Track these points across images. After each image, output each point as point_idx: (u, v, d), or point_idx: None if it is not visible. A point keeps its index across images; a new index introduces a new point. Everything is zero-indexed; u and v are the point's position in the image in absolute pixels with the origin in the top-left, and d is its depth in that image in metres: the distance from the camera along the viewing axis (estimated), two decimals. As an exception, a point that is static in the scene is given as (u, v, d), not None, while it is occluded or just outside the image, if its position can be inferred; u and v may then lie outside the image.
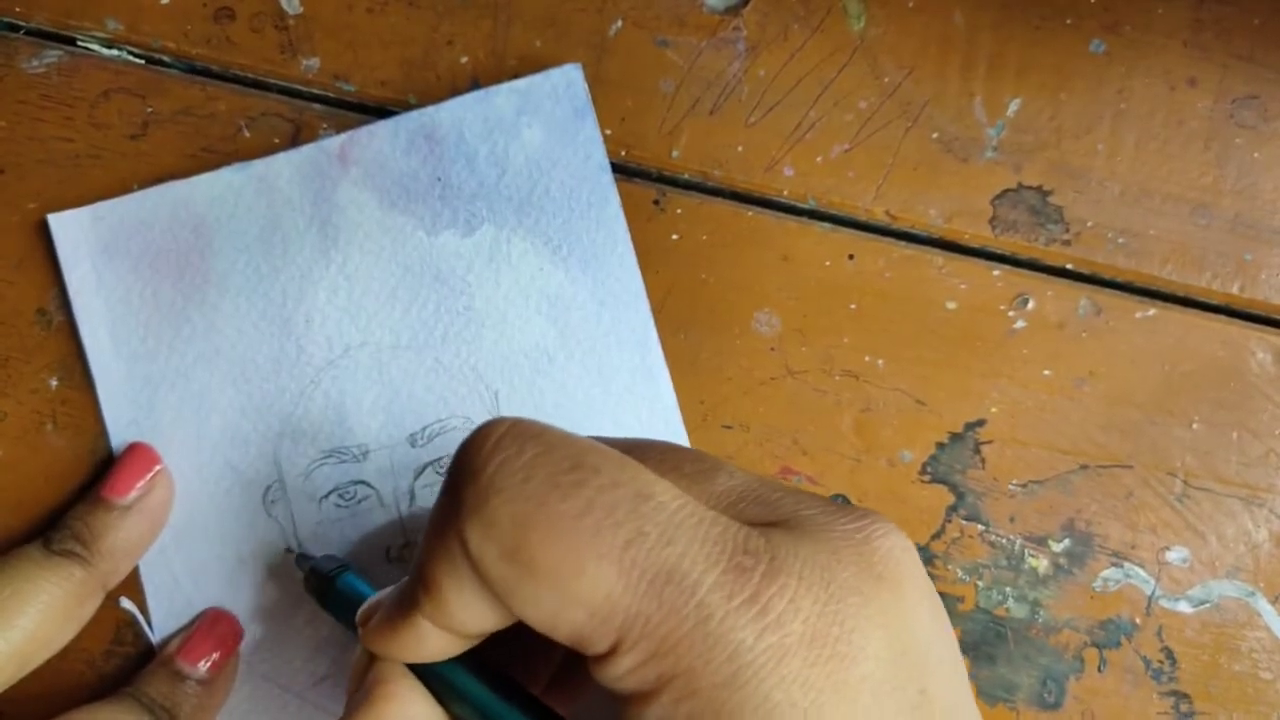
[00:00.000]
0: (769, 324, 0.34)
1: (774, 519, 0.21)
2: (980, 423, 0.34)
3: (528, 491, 0.20)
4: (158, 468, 0.32)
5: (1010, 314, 0.35)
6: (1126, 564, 0.34)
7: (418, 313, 0.34)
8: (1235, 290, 0.35)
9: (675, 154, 0.35)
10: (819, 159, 0.35)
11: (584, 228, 0.34)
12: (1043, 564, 0.34)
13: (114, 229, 0.33)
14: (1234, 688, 0.34)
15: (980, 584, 0.34)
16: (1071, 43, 0.35)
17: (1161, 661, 0.34)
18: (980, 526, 0.34)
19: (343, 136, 0.34)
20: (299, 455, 0.33)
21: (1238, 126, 0.35)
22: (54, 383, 0.33)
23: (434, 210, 0.34)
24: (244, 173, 0.34)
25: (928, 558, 0.34)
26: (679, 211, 0.35)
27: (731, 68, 0.35)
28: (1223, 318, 0.35)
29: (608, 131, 0.35)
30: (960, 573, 0.34)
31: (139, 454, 0.32)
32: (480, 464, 0.21)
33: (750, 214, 0.35)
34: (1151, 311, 0.35)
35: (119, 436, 0.33)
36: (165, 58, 0.35)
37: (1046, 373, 0.34)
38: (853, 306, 0.34)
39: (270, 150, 0.34)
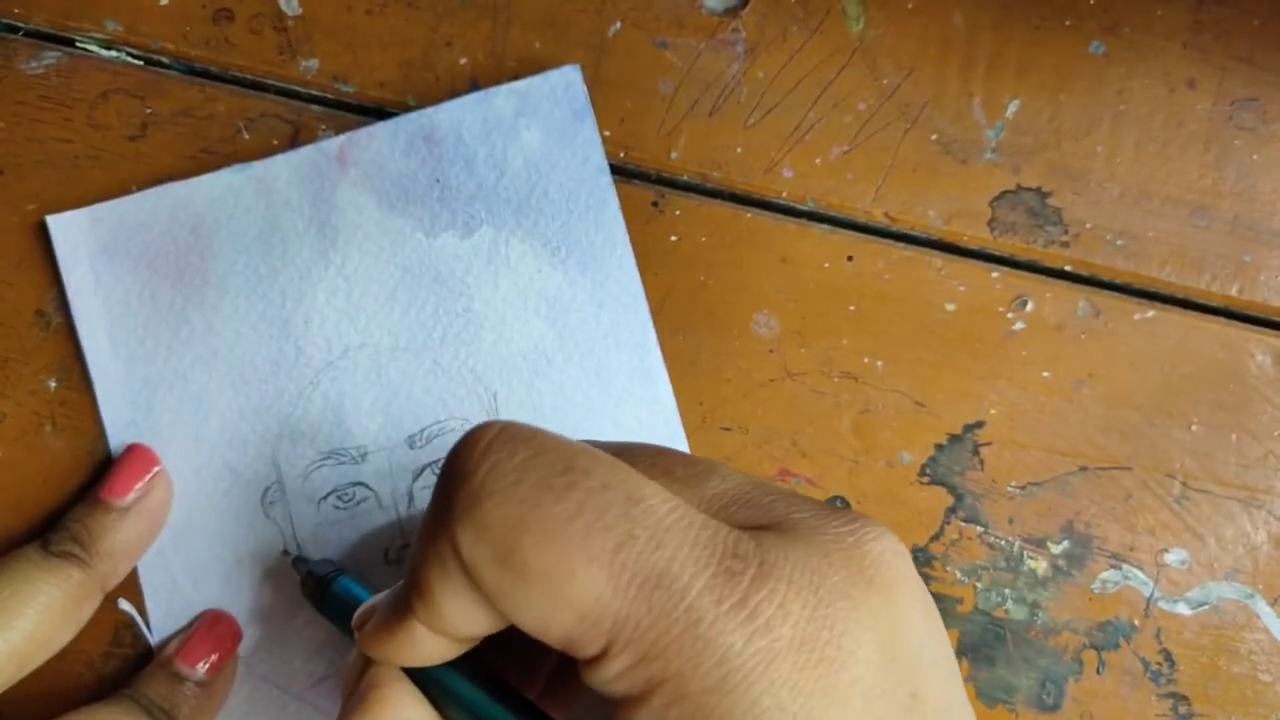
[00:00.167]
0: (768, 326, 0.34)
1: (765, 522, 0.21)
2: (979, 424, 0.34)
3: (519, 495, 0.20)
4: (156, 469, 0.32)
5: (1009, 316, 0.35)
6: (1125, 566, 0.34)
7: (416, 314, 0.34)
8: (1234, 292, 0.35)
9: (674, 155, 0.35)
10: (818, 160, 0.35)
11: (583, 229, 0.34)
12: (1041, 566, 0.34)
13: (113, 230, 0.33)
14: (1233, 689, 0.34)
15: (979, 586, 0.34)
16: (1071, 44, 0.35)
17: (1160, 663, 0.34)
18: (979, 528, 0.34)
19: (342, 138, 0.34)
20: (298, 457, 0.33)
21: (1237, 128, 0.35)
22: (53, 384, 0.33)
23: (433, 212, 0.34)
24: (243, 174, 0.34)
25: (926, 559, 0.34)
26: (678, 213, 0.35)
27: (730, 69, 0.35)
28: (1222, 319, 0.35)
29: (606, 133, 0.35)
30: (959, 574, 0.34)
31: (137, 455, 0.32)
32: (471, 467, 0.21)
33: (749, 215, 0.35)
34: (1150, 313, 0.35)
35: (117, 438, 0.33)
36: (164, 59, 0.35)
37: (1045, 374, 0.34)
38: (852, 308, 0.34)
39: (269, 151, 0.34)
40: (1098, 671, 0.34)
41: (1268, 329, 0.35)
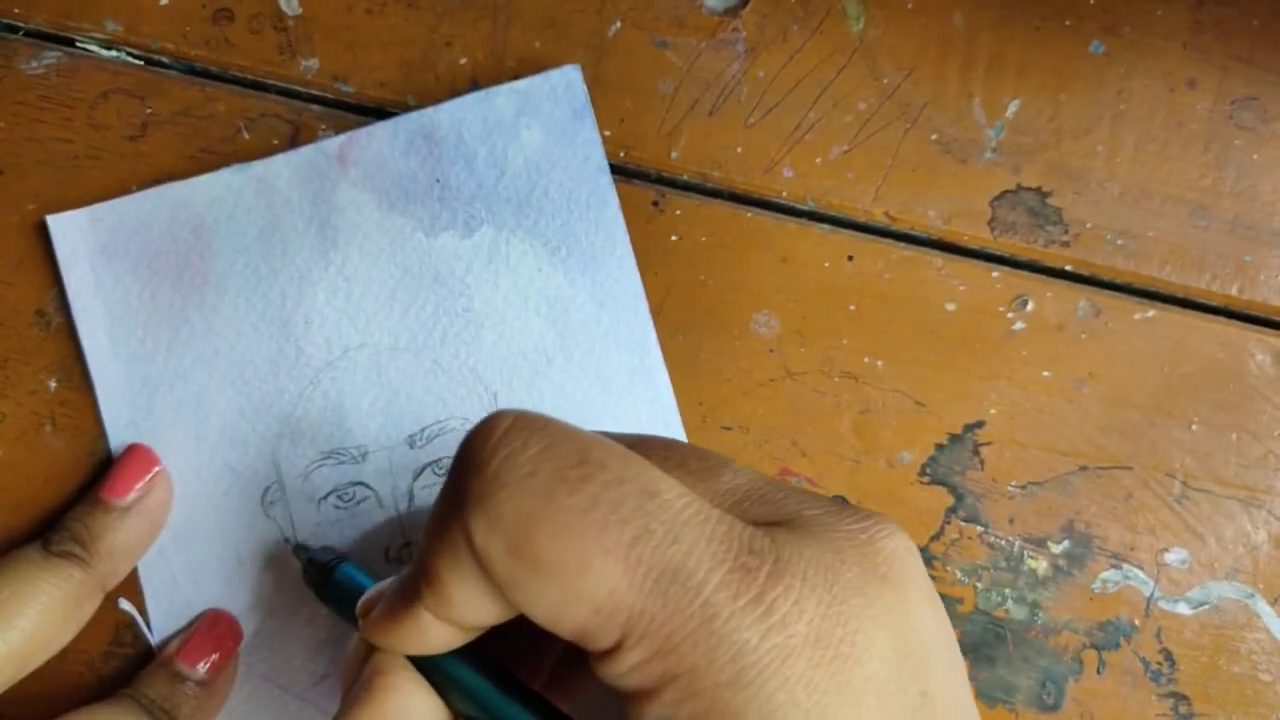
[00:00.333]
0: (768, 325, 0.34)
1: (778, 518, 0.21)
2: (979, 424, 0.34)
3: (534, 486, 0.20)
4: (156, 469, 0.32)
5: (1009, 315, 0.35)
6: (1125, 565, 0.34)
7: (416, 314, 0.34)
8: (1234, 292, 0.35)
9: (674, 155, 0.35)
10: (818, 160, 0.35)
11: (583, 229, 0.34)
12: (1042, 565, 0.34)
13: (113, 230, 0.33)
14: (1233, 689, 0.34)
15: (979, 585, 0.34)
16: (1071, 44, 0.35)
17: (1160, 663, 0.34)
18: (979, 528, 0.34)
19: (342, 137, 0.34)
20: (298, 456, 0.33)
21: (1237, 128, 0.35)
22: (53, 384, 0.33)
23: (433, 211, 0.34)
24: (243, 174, 0.34)
25: (927, 559, 0.34)
26: (678, 213, 0.35)
27: (731, 69, 0.35)
28: (1222, 319, 0.35)
29: (607, 133, 0.35)
30: (959, 574, 0.34)
31: (138, 455, 0.32)
32: (486, 457, 0.21)
33: (749, 215, 0.35)
34: (1151, 313, 0.35)
35: (118, 438, 0.33)
36: (164, 59, 0.35)
37: (1046, 374, 0.34)
38: (852, 308, 0.34)
39: (269, 151, 0.34)
40: (1098, 671, 0.34)
41: (1268, 328, 0.35)
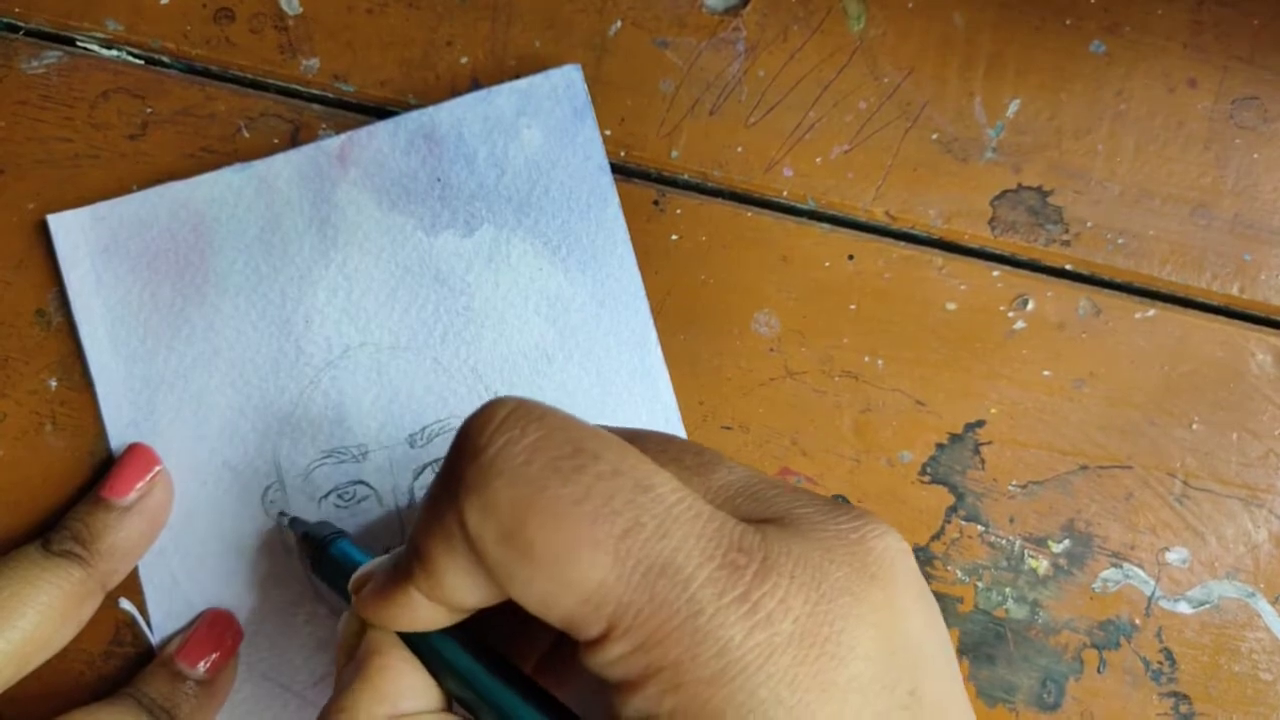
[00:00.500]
0: (768, 325, 0.34)
1: (770, 516, 0.21)
2: (980, 423, 0.34)
3: (529, 475, 0.20)
4: (157, 468, 0.32)
5: (1010, 315, 0.35)
6: (1126, 565, 0.34)
7: (417, 313, 0.34)
8: (1235, 291, 0.35)
9: (675, 154, 0.35)
10: (818, 159, 0.35)
11: (583, 228, 0.34)
12: (1042, 565, 0.34)
13: (113, 229, 0.33)
14: (1234, 689, 0.33)
15: (980, 585, 0.34)
16: (1071, 43, 0.35)
17: (1161, 662, 0.34)
18: (980, 527, 0.34)
19: (342, 137, 0.34)
20: (298, 455, 0.33)
21: (1237, 127, 0.35)
22: (53, 383, 0.33)
23: (433, 210, 0.34)
24: (243, 173, 0.34)
25: (927, 558, 0.34)
26: (678, 212, 0.35)
27: (731, 68, 0.35)
28: (1222, 318, 0.35)
29: (607, 132, 0.35)
30: (960, 573, 0.34)
31: (138, 455, 0.32)
32: (483, 443, 0.21)
33: (750, 214, 0.35)
34: (1151, 312, 0.35)
35: (118, 437, 0.33)
36: (165, 58, 0.35)
37: (1046, 373, 0.34)
38: (852, 307, 0.34)
39: (270, 150, 0.34)
40: (1099, 670, 0.34)
41: (1268, 328, 0.35)
